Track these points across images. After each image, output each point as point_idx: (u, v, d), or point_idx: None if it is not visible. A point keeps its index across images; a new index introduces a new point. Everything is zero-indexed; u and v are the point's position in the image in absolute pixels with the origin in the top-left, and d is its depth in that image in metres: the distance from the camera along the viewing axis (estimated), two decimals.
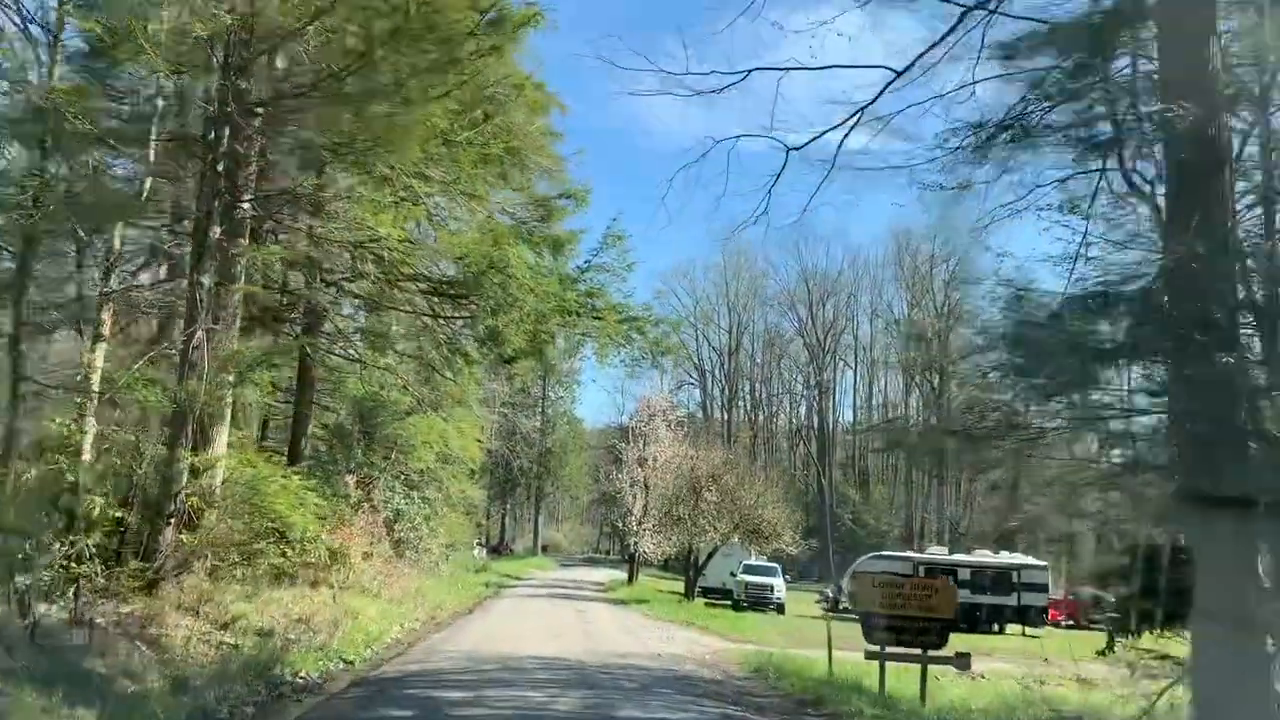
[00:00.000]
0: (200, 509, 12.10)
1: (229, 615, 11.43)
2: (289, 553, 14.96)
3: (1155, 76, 8.62)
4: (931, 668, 12.96)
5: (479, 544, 55.19)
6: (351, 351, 23.59)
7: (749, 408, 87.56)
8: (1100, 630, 36.65)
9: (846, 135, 11.40)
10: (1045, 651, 24.84)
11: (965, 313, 12.85)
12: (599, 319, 21.23)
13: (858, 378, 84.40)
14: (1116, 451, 9.60)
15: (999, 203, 11.71)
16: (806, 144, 10.75)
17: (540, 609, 25.42)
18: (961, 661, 13.24)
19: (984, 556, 35.78)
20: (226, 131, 12.41)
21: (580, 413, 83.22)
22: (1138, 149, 9.37)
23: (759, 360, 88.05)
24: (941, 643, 13.06)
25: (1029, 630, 32.90)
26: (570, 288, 20.45)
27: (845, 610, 36.04)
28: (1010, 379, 11.15)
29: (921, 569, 33.33)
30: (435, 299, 20.90)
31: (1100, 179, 11.13)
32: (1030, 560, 36.27)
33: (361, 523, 22.07)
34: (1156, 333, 8.16)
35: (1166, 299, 8.17)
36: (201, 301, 11.86)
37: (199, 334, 11.79)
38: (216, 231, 12.28)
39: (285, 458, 22.65)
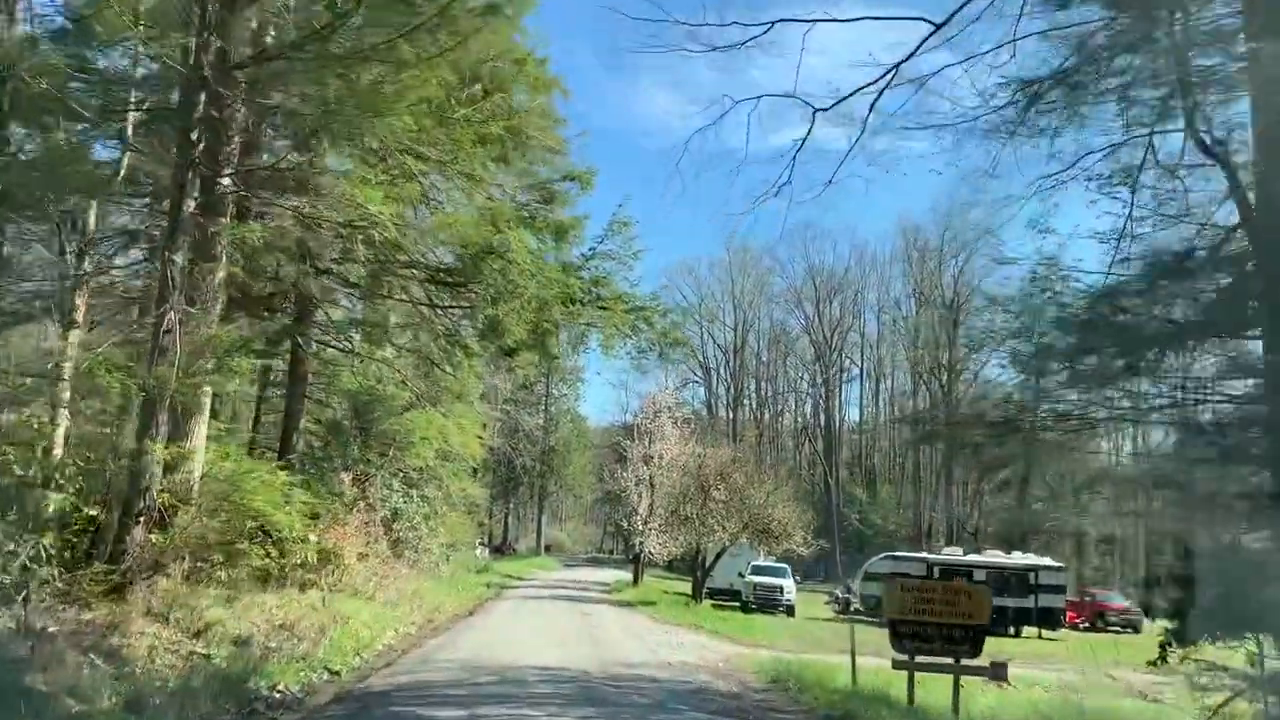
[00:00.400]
0: (174, 506, 11.13)
1: (203, 621, 10.46)
2: (273, 553, 14.04)
3: (1241, 15, 7.61)
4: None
5: (481, 543, 54.29)
6: (345, 343, 22.65)
7: (754, 406, 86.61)
8: (1117, 633, 35.80)
9: (878, 97, 10.46)
10: (1065, 655, 23.86)
11: (1001, 297, 11.79)
12: (604, 309, 20.28)
13: (864, 376, 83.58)
14: (1186, 442, 8.63)
15: (1042, 173, 10.77)
16: (836, 104, 9.79)
17: (543, 612, 24.46)
18: (997, 671, 12.26)
19: (996, 557, 34.77)
20: (202, 97, 11.45)
21: (584, 410, 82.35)
22: (1209, 103, 8.39)
23: (764, 359, 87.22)
24: (976, 651, 12.09)
25: (1046, 633, 31.89)
26: (574, 275, 19.53)
27: (857, 612, 35.16)
28: (1060, 364, 10.19)
29: (936, 570, 32.34)
30: (432, 288, 19.96)
31: (1148, 148, 10.19)
32: (1047, 561, 35.30)
33: (356, 522, 21.13)
34: (1244, 303, 7.17)
35: (1253, 265, 7.20)
36: (173, 280, 10.89)
37: (170, 316, 10.81)
38: (191, 205, 11.32)
39: (276, 454, 21.79)
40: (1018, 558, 34.62)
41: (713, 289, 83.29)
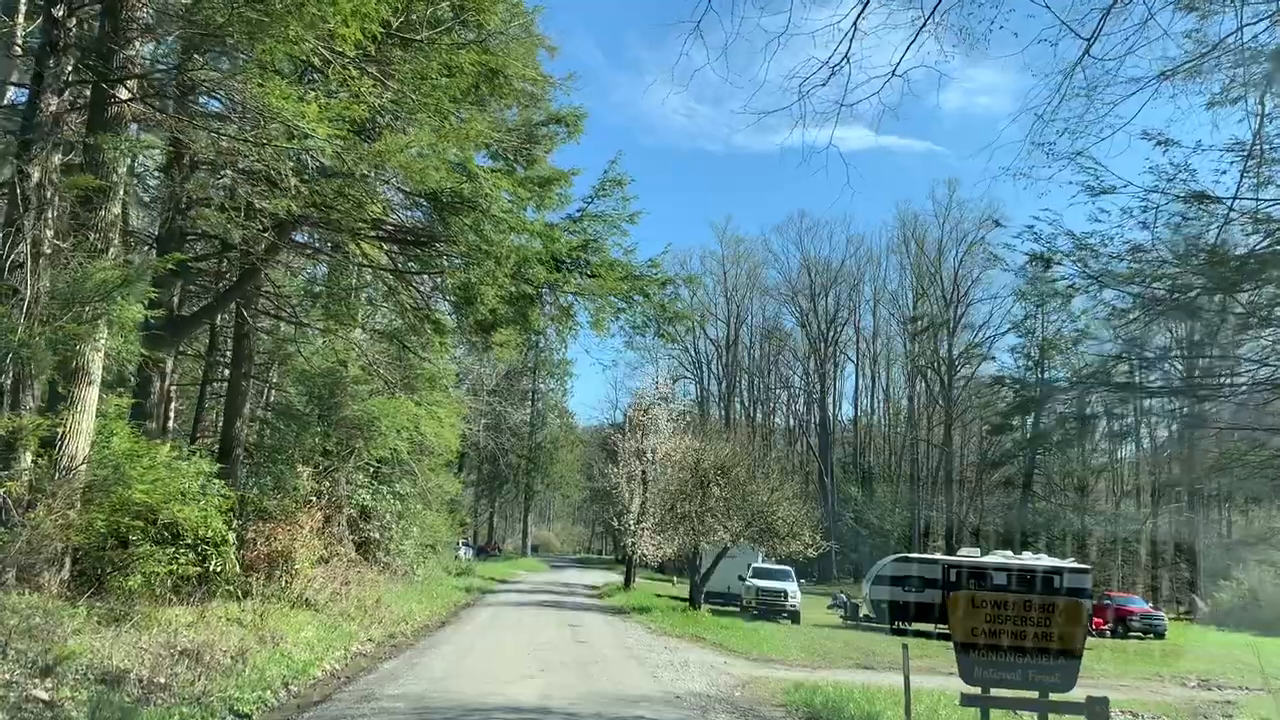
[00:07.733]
0: (25, 499, 8.43)
1: (55, 655, 7.76)
2: (184, 558, 11.34)
3: None
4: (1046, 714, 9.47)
5: (465, 544, 51.65)
6: (299, 316, 19.94)
7: (747, 402, 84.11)
8: (1140, 639, 33.42)
9: None
10: (1111, 669, 21.38)
11: (1094, 237, 9.04)
12: (594, 276, 17.66)
13: (859, 372, 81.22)
14: None
15: (1158, 66, 8.21)
16: None
17: (524, 623, 21.77)
18: (1096, 708, 9.67)
19: (1014, 559, 32.29)
20: None
21: (573, 407, 79.73)
22: None
23: (756, 355, 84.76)
24: (1067, 684, 9.53)
25: None
26: (558, 236, 16.92)
27: (867, 618, 32.68)
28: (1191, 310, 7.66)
29: (954, 573, 29.88)
30: (395, 249, 17.30)
31: None
32: (1071, 563, 32.94)
33: (311, 521, 18.44)
34: None
35: None
36: (27, 201, 8.19)
37: (23, 246, 8.12)
38: (54, 103, 8.62)
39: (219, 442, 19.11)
40: (1031, 558, 32.20)
41: (705, 281, 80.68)
